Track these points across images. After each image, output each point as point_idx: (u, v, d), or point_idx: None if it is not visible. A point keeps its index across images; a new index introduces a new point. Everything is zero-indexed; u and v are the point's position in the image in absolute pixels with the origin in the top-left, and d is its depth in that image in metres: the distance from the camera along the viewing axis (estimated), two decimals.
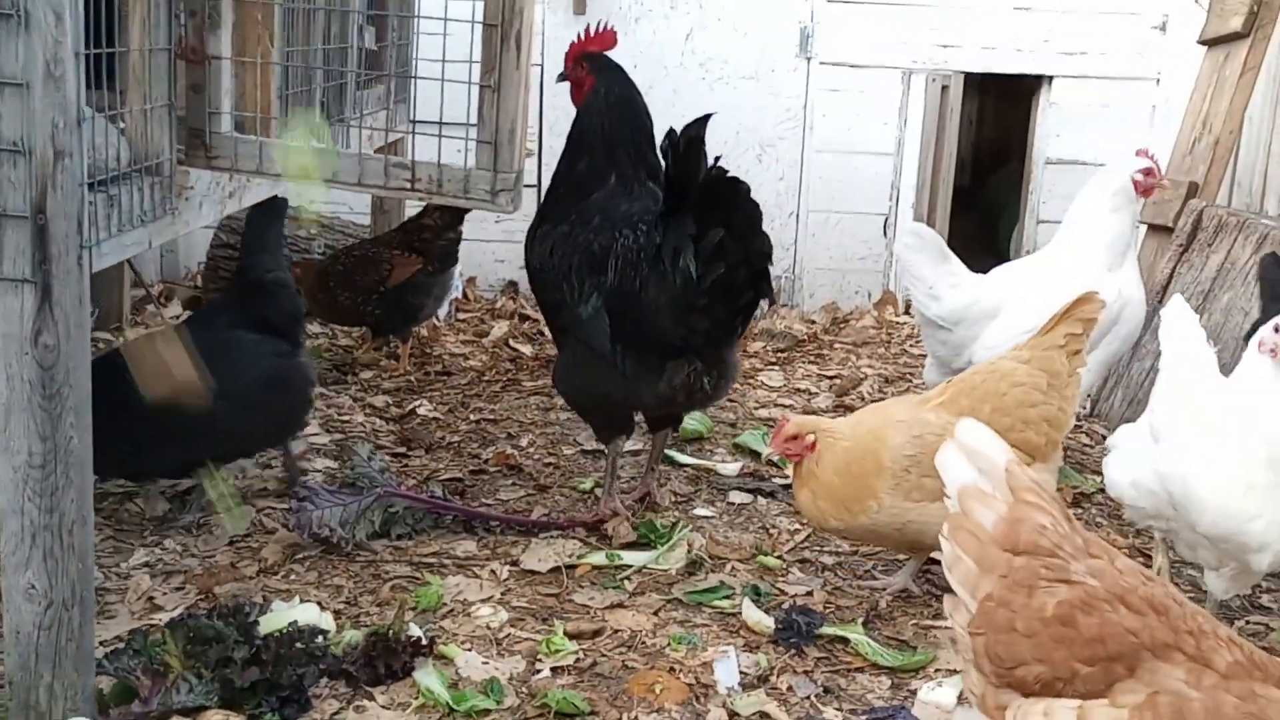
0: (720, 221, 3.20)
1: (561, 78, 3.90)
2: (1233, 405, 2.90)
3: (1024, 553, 1.82)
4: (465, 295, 6.48)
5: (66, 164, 2.13)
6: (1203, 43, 5.62)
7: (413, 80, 4.11)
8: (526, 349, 5.69)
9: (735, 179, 3.22)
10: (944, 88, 6.64)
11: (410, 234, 5.10)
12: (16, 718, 2.36)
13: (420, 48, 4.08)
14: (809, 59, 6.53)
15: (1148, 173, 4.13)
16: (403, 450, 4.22)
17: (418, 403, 4.72)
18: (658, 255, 3.28)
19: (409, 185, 2.58)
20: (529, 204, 6.51)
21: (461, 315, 6.19)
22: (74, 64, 2.09)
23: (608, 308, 3.41)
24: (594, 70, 3.77)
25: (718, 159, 3.22)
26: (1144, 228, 5.60)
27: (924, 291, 4.11)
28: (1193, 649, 1.71)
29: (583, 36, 3.86)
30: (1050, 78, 6.65)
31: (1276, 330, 2.82)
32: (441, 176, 2.58)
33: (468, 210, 5.03)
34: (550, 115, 6.49)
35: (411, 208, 5.69)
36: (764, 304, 3.54)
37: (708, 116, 3.24)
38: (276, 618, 2.75)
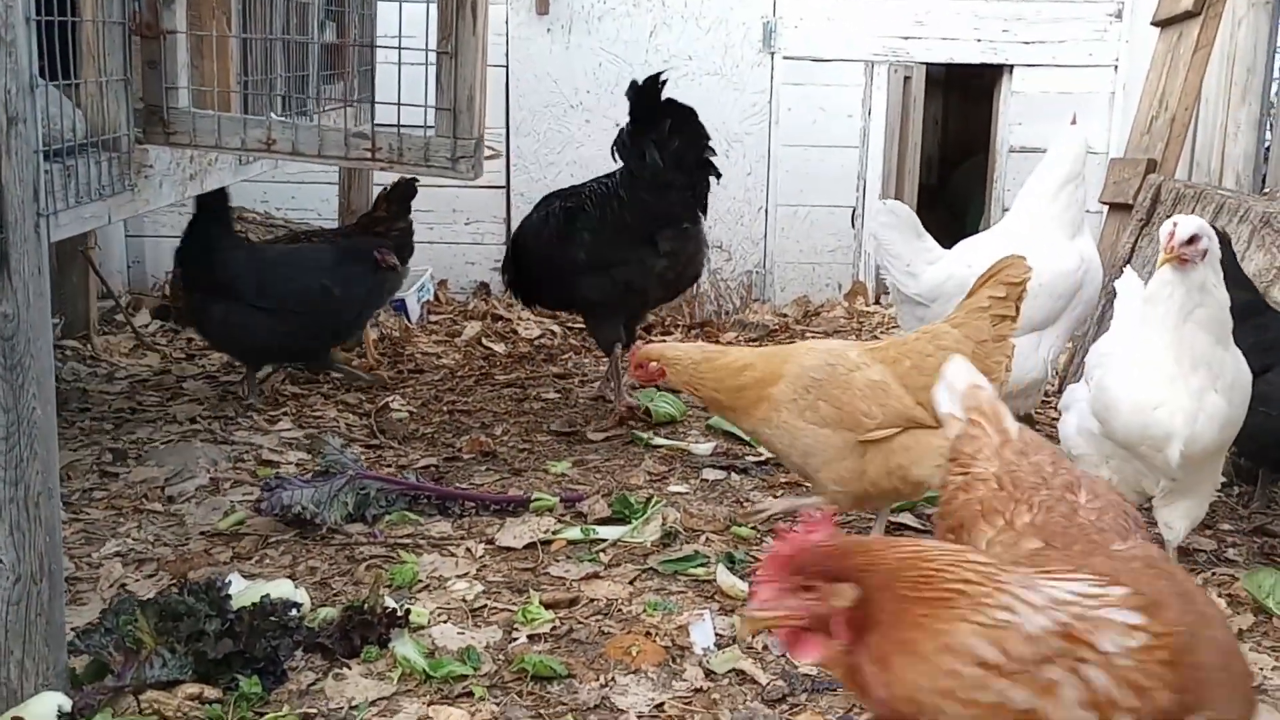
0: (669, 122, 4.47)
1: None
2: (1144, 315, 3.07)
3: (954, 459, 2.03)
4: (437, 298, 6.48)
5: (20, 130, 2.13)
6: (1156, 24, 5.71)
7: (372, 70, 4.13)
8: (499, 346, 5.70)
9: (676, 101, 4.52)
10: (906, 79, 6.72)
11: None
12: None
13: (379, 43, 4.10)
14: (772, 54, 6.60)
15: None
16: (376, 443, 4.22)
17: (390, 398, 4.71)
18: (627, 165, 4.54)
19: (369, 155, 2.59)
20: (497, 205, 6.63)
21: (434, 317, 6.20)
22: (25, 29, 2.09)
23: (595, 236, 4.55)
24: None
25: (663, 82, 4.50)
26: (1105, 208, 5.69)
27: (901, 269, 4.13)
28: (1010, 515, 1.82)
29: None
30: (1011, 67, 6.75)
31: (1191, 241, 2.90)
32: (402, 145, 2.59)
33: (412, 197, 5.15)
34: (516, 116, 6.52)
35: None
36: (713, 180, 4.66)
37: (660, 74, 4.49)
38: (249, 593, 2.73)
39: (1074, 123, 4.41)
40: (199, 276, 4.53)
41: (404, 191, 5.13)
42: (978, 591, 1.49)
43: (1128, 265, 4.94)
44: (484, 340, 5.78)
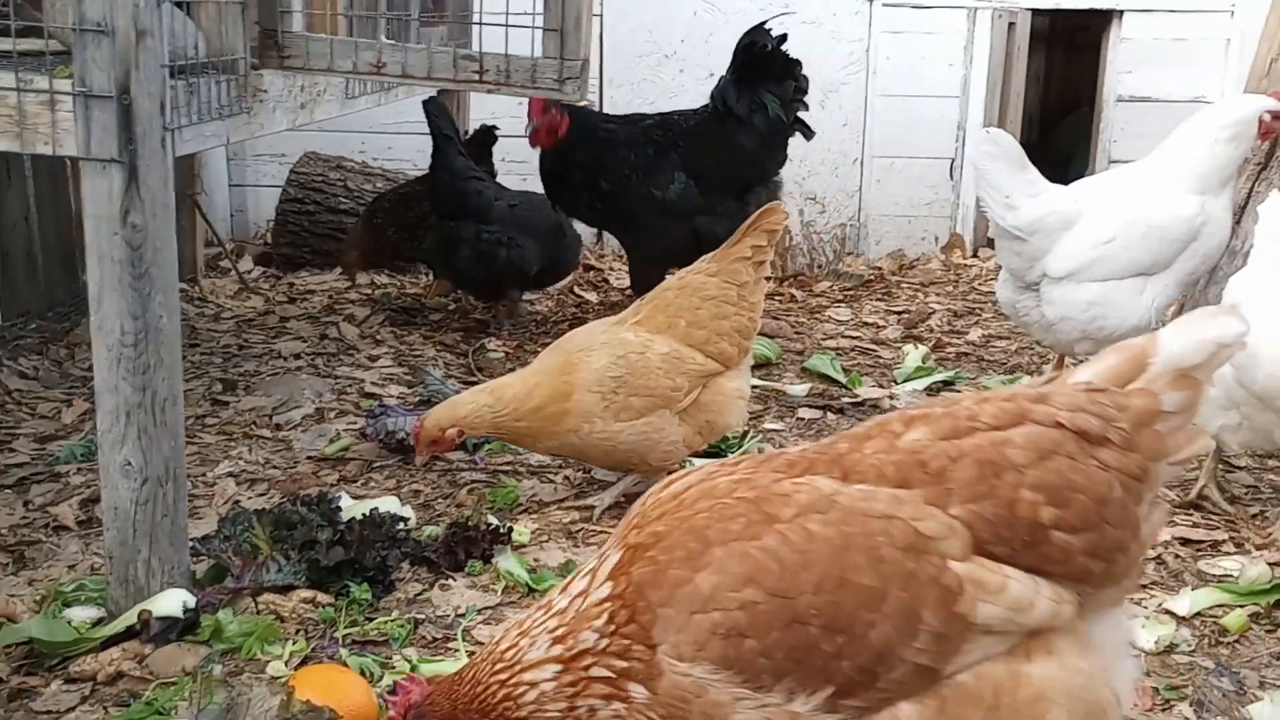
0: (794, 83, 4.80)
1: (534, 130, 4.71)
2: None
3: None
4: None
5: (149, 44, 2.19)
6: None
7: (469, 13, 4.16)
8: (591, 295, 5.73)
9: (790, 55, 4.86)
10: (1010, 25, 6.52)
11: None
12: (116, 592, 2.44)
13: None
14: (871, 1, 6.45)
15: (1276, 115, 3.99)
16: (474, 380, 4.28)
17: (486, 339, 4.78)
18: (730, 113, 4.74)
19: (477, 76, 2.61)
20: None
21: None
22: None
23: (690, 175, 4.70)
24: (563, 112, 4.73)
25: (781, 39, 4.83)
26: None
27: (1000, 201, 3.98)
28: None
29: None
30: (1121, 12, 6.49)
31: None
32: (509, 66, 2.61)
33: (492, 144, 5.29)
34: (610, 66, 6.50)
35: None
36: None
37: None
38: (357, 508, 2.81)
39: (1273, 94, 4.10)
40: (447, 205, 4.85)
41: (483, 138, 5.22)
42: (506, 683, 1.65)
43: (1244, 210, 4.75)
44: (576, 289, 5.82)
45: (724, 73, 4.97)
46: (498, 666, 1.67)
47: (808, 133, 4.92)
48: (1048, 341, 4.24)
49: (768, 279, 3.24)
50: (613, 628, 1.57)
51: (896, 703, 1.53)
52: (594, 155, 4.72)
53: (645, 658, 1.54)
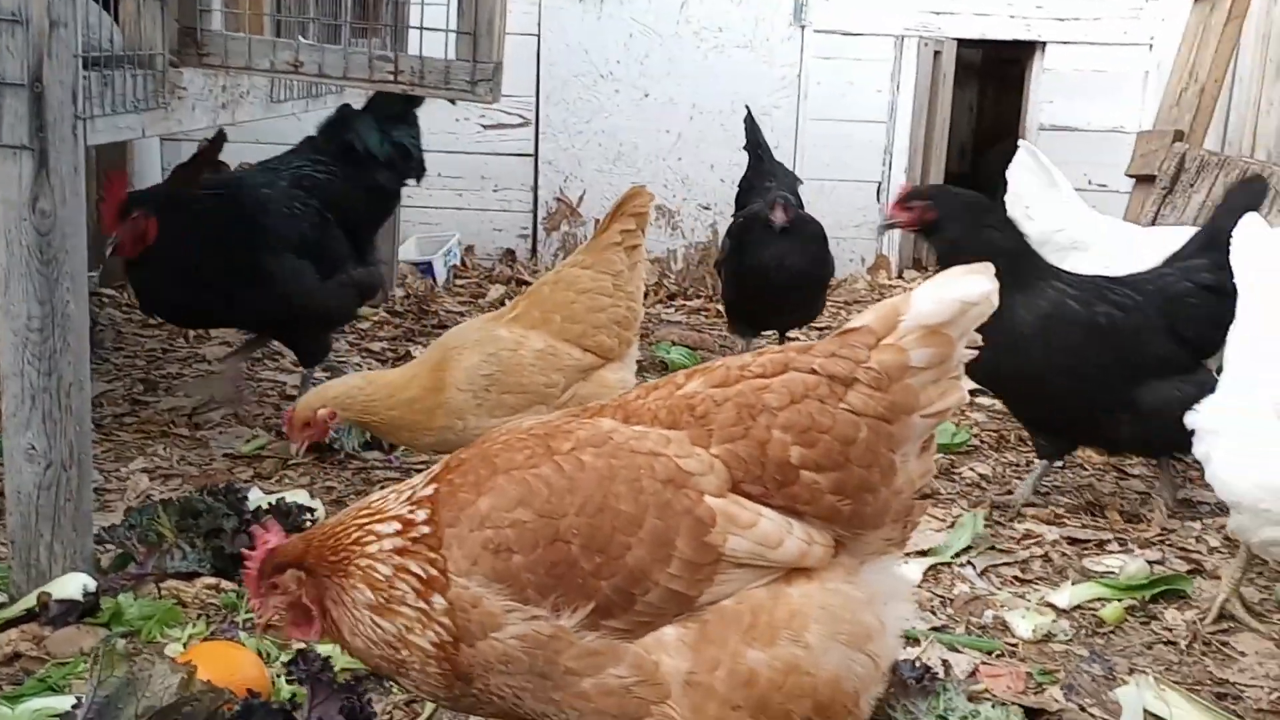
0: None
1: (117, 247, 3.58)
2: None
3: None
4: (463, 263, 6.58)
5: (61, 34, 2.24)
6: None
7: (400, 27, 4.22)
8: None
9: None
10: (937, 53, 6.74)
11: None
12: (18, 576, 2.45)
13: None
14: (803, 27, 6.63)
15: None
16: None
17: (412, 348, 4.83)
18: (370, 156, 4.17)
19: (392, 77, 2.68)
20: (525, 174, 6.71)
21: (459, 280, 6.31)
22: None
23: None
24: (146, 212, 3.58)
25: None
26: (1131, 181, 5.70)
27: (1020, 210, 4.15)
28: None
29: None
30: (1044, 44, 6.73)
31: None
32: (423, 68, 2.68)
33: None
34: (546, 85, 6.60)
35: None
36: None
37: None
38: (266, 499, 2.84)
39: None
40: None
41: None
42: (360, 540, 1.73)
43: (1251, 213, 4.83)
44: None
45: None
46: (364, 512, 1.77)
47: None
48: None
49: (649, 267, 3.18)
50: (427, 528, 1.69)
51: (659, 627, 1.65)
52: (231, 234, 3.69)
53: (440, 568, 1.67)
